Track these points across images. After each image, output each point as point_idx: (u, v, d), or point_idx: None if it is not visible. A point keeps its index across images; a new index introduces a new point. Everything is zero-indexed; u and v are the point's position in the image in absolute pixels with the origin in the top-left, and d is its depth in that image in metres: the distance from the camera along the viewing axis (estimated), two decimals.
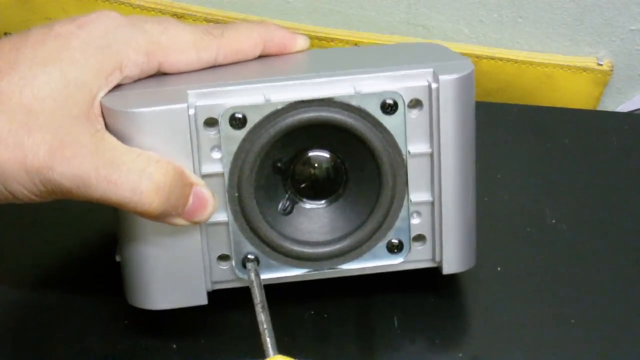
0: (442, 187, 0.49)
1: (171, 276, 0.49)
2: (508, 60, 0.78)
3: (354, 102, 0.47)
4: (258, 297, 0.46)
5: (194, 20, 0.78)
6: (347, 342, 0.51)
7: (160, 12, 0.78)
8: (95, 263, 0.56)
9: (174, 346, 0.50)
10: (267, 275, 0.49)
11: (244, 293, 0.48)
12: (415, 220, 0.50)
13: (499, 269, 0.56)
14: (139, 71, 0.48)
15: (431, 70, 0.48)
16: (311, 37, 0.78)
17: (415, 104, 0.48)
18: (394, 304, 0.52)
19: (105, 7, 0.78)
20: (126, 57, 0.47)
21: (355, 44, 0.79)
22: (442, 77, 0.47)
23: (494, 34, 0.79)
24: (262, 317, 0.45)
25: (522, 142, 0.69)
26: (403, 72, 0.48)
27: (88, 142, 0.44)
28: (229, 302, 0.51)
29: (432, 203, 0.50)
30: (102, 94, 0.46)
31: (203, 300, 0.50)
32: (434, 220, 0.50)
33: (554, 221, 0.60)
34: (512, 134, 0.70)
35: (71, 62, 0.45)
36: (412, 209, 0.50)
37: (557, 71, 0.78)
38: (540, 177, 0.65)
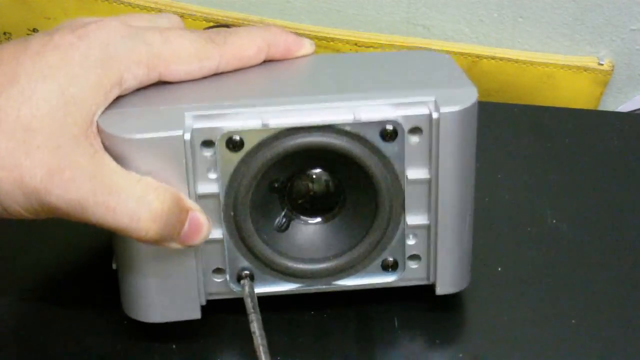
0: (439, 212, 0.49)
1: (165, 291, 0.48)
2: (508, 60, 0.78)
3: (352, 129, 0.47)
4: (252, 310, 0.46)
5: (194, 20, 0.78)
6: (347, 342, 0.51)
7: (160, 11, 0.78)
8: (95, 264, 0.56)
9: (174, 346, 0.50)
10: (261, 289, 0.49)
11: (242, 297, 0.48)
12: (411, 241, 0.50)
13: (499, 269, 0.56)
14: (139, 83, 0.47)
15: (433, 99, 0.47)
16: (311, 37, 0.78)
17: (415, 131, 0.47)
18: (394, 303, 0.52)
19: (105, 7, 0.78)
20: (126, 70, 0.46)
21: (355, 44, 0.79)
22: (443, 109, 0.46)
23: (495, 33, 0.79)
24: (256, 330, 0.45)
25: (522, 142, 0.69)
26: (403, 99, 0.47)
27: (87, 165, 0.43)
28: (228, 303, 0.51)
29: (429, 226, 0.49)
30: (100, 111, 0.45)
31: (197, 315, 0.50)
32: (429, 241, 0.50)
33: (554, 221, 0.60)
34: (512, 134, 0.70)
35: (71, 78, 0.44)
36: (408, 231, 0.50)
37: (558, 71, 0.78)
38: (541, 177, 0.65)
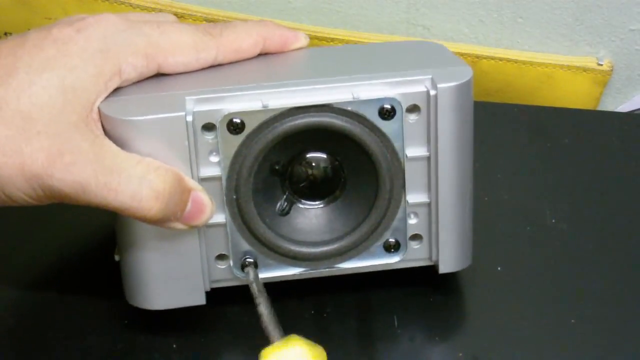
0: (439, 189, 0.49)
1: (169, 276, 0.49)
2: (508, 60, 0.78)
3: (351, 108, 0.47)
4: (257, 294, 0.46)
5: (194, 20, 0.78)
6: (347, 340, 0.51)
7: (160, 11, 0.78)
8: (95, 262, 0.56)
9: (174, 345, 0.50)
10: (265, 274, 0.50)
11: (243, 291, 0.48)
12: (412, 221, 0.50)
13: (499, 268, 0.56)
14: (138, 74, 0.47)
15: (429, 76, 0.48)
16: (311, 37, 0.79)
17: (413, 109, 0.48)
18: (394, 302, 0.52)
19: (105, 7, 0.78)
20: (125, 61, 0.47)
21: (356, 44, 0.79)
22: (440, 85, 0.47)
23: (494, 34, 0.79)
24: (264, 310, 0.45)
25: (522, 142, 0.69)
26: (401, 78, 0.48)
27: (87, 149, 0.44)
28: (228, 300, 0.51)
29: (429, 204, 0.50)
30: (100, 99, 0.46)
31: (201, 300, 0.50)
32: (430, 220, 0.50)
33: (554, 221, 0.60)
34: (512, 134, 0.70)
35: (69, 68, 0.45)
36: (409, 209, 0.50)
37: (557, 71, 0.78)
38: (540, 177, 0.65)
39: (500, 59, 0.78)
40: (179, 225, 0.46)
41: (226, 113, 0.46)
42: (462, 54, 0.77)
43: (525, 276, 0.55)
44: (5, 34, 0.81)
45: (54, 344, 0.50)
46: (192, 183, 0.47)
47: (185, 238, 0.48)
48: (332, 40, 0.78)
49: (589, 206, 0.61)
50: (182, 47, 0.48)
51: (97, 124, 0.45)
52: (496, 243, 0.58)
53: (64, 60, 0.45)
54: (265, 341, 0.43)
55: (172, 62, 0.48)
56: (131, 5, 0.78)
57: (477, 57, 0.78)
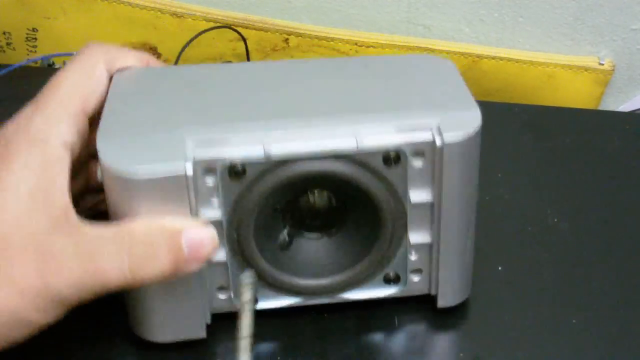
0: (442, 232, 0.48)
1: (171, 311, 0.48)
2: (509, 59, 0.78)
3: (355, 156, 0.46)
4: (244, 330, 0.45)
5: (194, 20, 0.78)
6: (347, 342, 0.51)
7: (159, 11, 0.78)
8: None
9: (174, 345, 0.50)
10: (264, 304, 0.50)
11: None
12: (413, 257, 0.50)
13: (499, 268, 0.56)
14: (81, 133, 0.46)
15: (437, 123, 0.46)
16: (311, 37, 0.79)
17: (418, 154, 0.47)
18: (394, 303, 0.52)
19: (105, 7, 0.78)
20: (65, 133, 0.45)
21: (355, 44, 0.79)
22: (447, 136, 0.46)
23: (495, 33, 0.78)
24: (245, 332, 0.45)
25: (523, 141, 0.69)
26: (407, 122, 0.46)
27: (67, 246, 0.43)
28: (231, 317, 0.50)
29: (431, 244, 0.49)
30: (64, 183, 0.44)
31: (202, 334, 0.49)
32: (431, 257, 0.50)
33: (555, 220, 0.60)
34: (513, 134, 0.70)
35: (27, 175, 0.44)
36: (410, 248, 0.50)
37: (558, 71, 0.78)
38: (541, 176, 0.65)
39: (501, 59, 0.78)
40: (191, 267, 0.45)
41: (227, 161, 0.45)
42: (462, 54, 0.77)
43: (525, 276, 0.55)
44: (5, 33, 0.81)
45: (54, 345, 0.50)
46: (181, 223, 0.45)
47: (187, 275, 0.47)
48: (332, 40, 0.78)
49: (589, 206, 0.61)
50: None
51: (68, 211, 0.44)
52: (496, 243, 0.58)
53: (15, 174, 0.44)
54: None
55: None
56: (131, 5, 0.78)
57: (478, 56, 0.77)
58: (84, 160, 0.48)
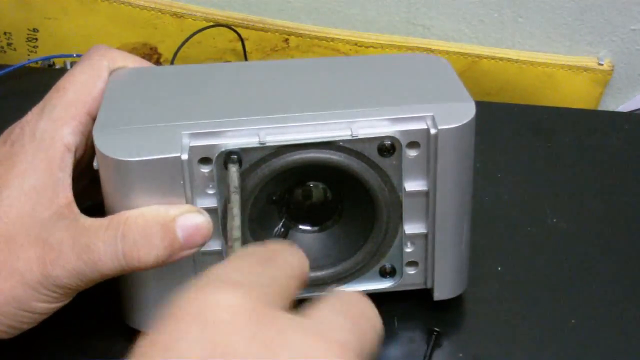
0: (437, 222, 0.49)
1: (164, 301, 0.48)
2: (508, 60, 0.78)
3: (350, 145, 0.46)
4: (234, 189, 0.45)
5: (194, 20, 0.78)
6: None
7: (160, 11, 0.78)
8: None
9: None
10: None
11: None
12: (408, 249, 0.50)
13: (499, 268, 0.56)
14: (85, 134, 0.48)
15: (431, 114, 0.46)
16: (311, 37, 0.79)
17: (413, 145, 0.47)
18: (394, 302, 0.52)
19: (105, 7, 0.78)
20: (66, 134, 0.47)
21: (355, 44, 0.79)
22: (441, 125, 0.46)
23: (495, 33, 0.79)
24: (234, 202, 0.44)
25: (523, 141, 0.69)
26: (401, 115, 0.47)
27: (66, 237, 0.45)
28: None
29: (426, 235, 0.49)
30: (66, 182, 0.46)
31: None
32: (427, 249, 0.50)
33: (554, 220, 0.60)
34: (513, 134, 0.70)
35: (31, 175, 0.46)
36: (405, 239, 0.50)
37: (558, 71, 0.78)
38: (541, 176, 0.65)
39: (501, 59, 0.78)
40: (184, 253, 0.46)
41: (223, 149, 0.46)
42: (462, 54, 0.77)
43: (525, 276, 0.55)
44: (5, 33, 0.81)
45: (55, 345, 0.50)
46: (175, 210, 0.45)
47: (181, 264, 0.47)
48: (332, 40, 0.78)
49: (589, 206, 0.61)
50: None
51: (72, 208, 0.46)
52: (496, 243, 0.58)
53: (13, 171, 0.46)
54: None
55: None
56: (131, 5, 0.78)
57: (478, 56, 0.78)
58: (88, 160, 0.48)
